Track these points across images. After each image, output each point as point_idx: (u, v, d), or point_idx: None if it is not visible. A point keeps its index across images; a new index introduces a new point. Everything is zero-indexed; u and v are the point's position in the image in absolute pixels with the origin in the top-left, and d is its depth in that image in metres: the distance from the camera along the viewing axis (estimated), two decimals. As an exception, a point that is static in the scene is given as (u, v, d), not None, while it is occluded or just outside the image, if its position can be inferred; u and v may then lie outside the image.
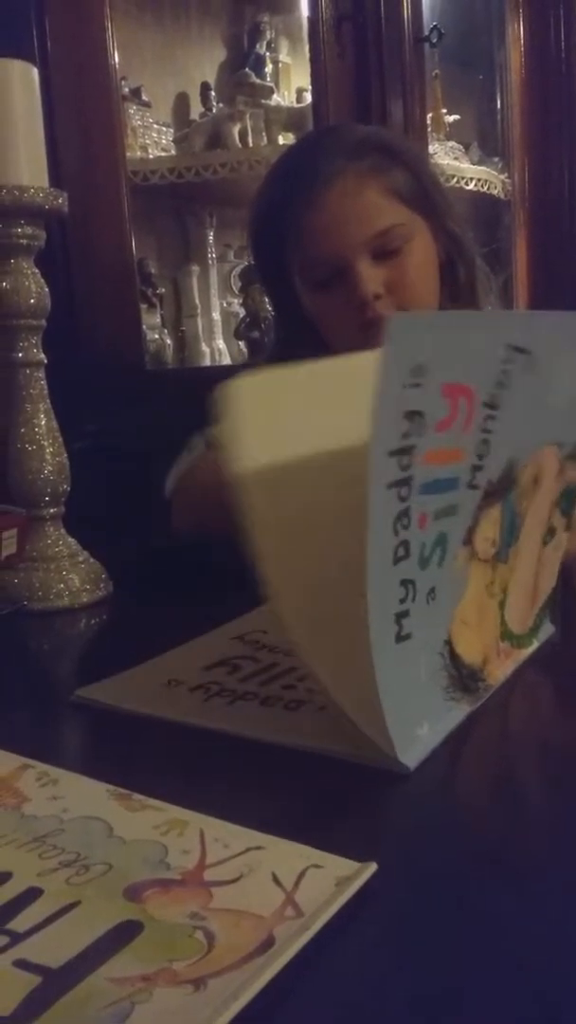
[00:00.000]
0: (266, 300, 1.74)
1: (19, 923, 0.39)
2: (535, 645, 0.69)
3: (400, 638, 0.52)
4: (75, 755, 0.63)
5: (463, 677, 0.59)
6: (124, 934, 0.38)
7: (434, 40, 1.56)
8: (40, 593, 0.96)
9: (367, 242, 1.00)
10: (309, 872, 0.41)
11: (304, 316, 1.08)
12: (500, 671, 0.64)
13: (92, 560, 1.01)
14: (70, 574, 0.98)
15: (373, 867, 0.40)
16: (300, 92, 1.88)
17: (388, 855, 0.42)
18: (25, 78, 0.94)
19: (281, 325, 1.16)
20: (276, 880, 0.40)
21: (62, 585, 0.97)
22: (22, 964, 0.36)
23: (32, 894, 0.41)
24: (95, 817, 0.47)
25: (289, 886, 0.40)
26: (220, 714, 0.62)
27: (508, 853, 0.44)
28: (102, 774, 0.52)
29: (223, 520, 1.00)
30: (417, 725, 0.54)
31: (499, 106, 2.01)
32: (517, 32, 1.94)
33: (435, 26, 1.58)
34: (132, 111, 1.68)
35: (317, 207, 1.00)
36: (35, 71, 0.95)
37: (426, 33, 1.56)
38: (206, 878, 0.41)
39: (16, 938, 0.38)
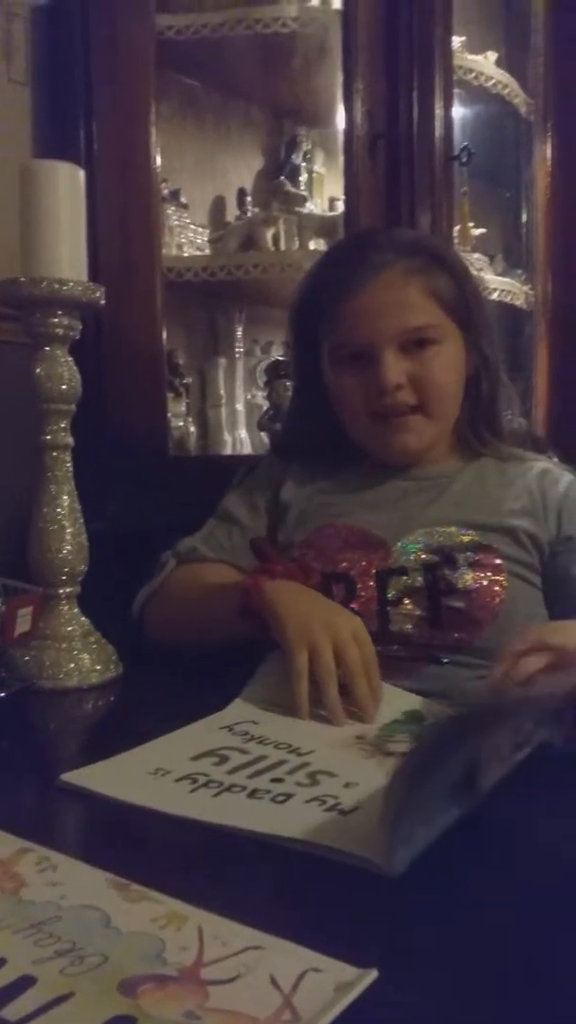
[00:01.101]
0: (290, 390, 1.78)
1: (10, 1012, 0.38)
2: (527, 750, 0.69)
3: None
4: (75, 840, 0.62)
5: (467, 781, 0.58)
6: (117, 1030, 0.37)
7: (464, 159, 1.62)
8: (51, 671, 0.96)
9: (398, 334, 1.02)
10: (308, 976, 0.40)
11: (324, 395, 1.10)
12: (494, 774, 0.63)
13: (104, 640, 1.02)
14: (81, 654, 0.98)
15: (374, 974, 0.40)
16: (332, 201, 1.96)
17: (388, 961, 0.41)
18: (71, 179, 0.99)
19: (300, 400, 1.18)
20: (274, 982, 0.40)
21: (73, 665, 0.97)
22: (11, 1055, 0.35)
23: (25, 982, 0.40)
24: (93, 906, 0.47)
25: (287, 989, 0.39)
26: (205, 806, 0.61)
27: (510, 962, 0.43)
28: (101, 860, 0.52)
29: (194, 634, 1.01)
30: (414, 828, 0.53)
31: (524, 221, 2.08)
32: (544, 153, 2.02)
33: (465, 146, 1.64)
34: (170, 211, 1.74)
35: (359, 292, 1.02)
36: (81, 173, 1.00)
37: (456, 152, 1.62)
38: (203, 976, 0.40)
39: (7, 1028, 0.37)
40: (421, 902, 0.49)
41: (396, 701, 0.85)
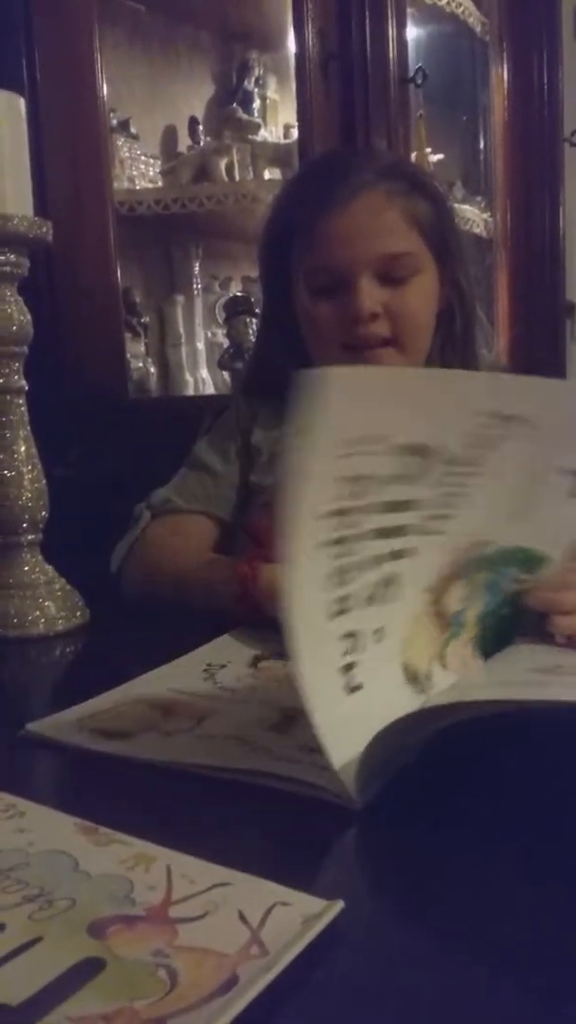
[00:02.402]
0: (251, 327, 1.75)
1: (-22, 960, 0.38)
2: None
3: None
4: (43, 787, 0.62)
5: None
6: (86, 972, 0.37)
7: (419, 81, 1.58)
8: (15, 620, 0.95)
9: (376, 260, 0.98)
10: (276, 909, 0.40)
11: (292, 322, 1.06)
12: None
13: (69, 588, 1.01)
14: (46, 601, 0.97)
15: (340, 905, 0.40)
16: (287, 128, 1.91)
17: (355, 892, 0.41)
18: (12, 108, 0.95)
19: (268, 332, 1.14)
20: (242, 917, 0.40)
21: (38, 612, 0.96)
22: (-20, 1002, 0.35)
23: (-7, 930, 0.40)
24: (61, 851, 0.47)
25: (255, 923, 0.39)
26: (164, 748, 0.60)
27: (475, 890, 0.44)
28: (69, 806, 0.51)
29: (173, 593, 0.97)
30: (381, 760, 0.53)
31: (482, 147, 2.04)
32: (501, 75, 1.98)
33: (420, 67, 1.60)
34: (120, 143, 1.69)
35: (337, 212, 0.98)
36: (22, 101, 0.96)
37: (411, 74, 1.58)
38: (171, 915, 0.40)
39: (-25, 975, 0.37)
40: (385, 832, 0.50)
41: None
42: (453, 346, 1.08)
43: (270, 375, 1.12)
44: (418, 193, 1.01)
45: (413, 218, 1.00)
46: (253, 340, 1.74)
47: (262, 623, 0.85)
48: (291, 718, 0.64)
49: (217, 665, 0.79)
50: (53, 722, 0.66)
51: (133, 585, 1.06)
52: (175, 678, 0.75)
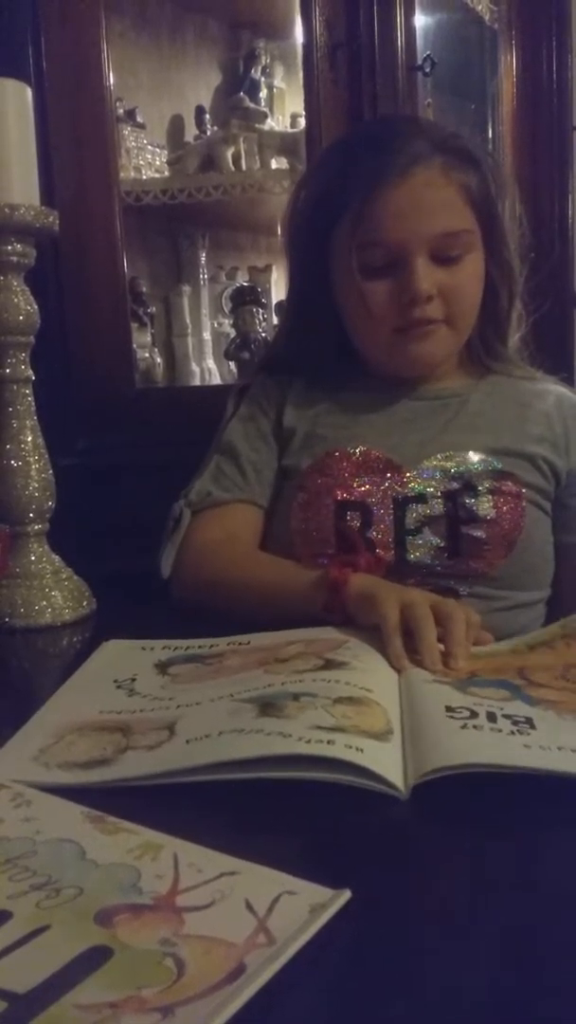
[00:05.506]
0: (257, 317, 1.74)
1: (-14, 947, 0.38)
2: None
3: None
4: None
5: None
6: (93, 960, 0.37)
7: (427, 69, 1.57)
8: (23, 610, 0.95)
9: (433, 239, 0.94)
10: (283, 899, 0.40)
11: (325, 302, 1.02)
12: None
13: (76, 577, 1.01)
14: (53, 591, 0.97)
15: (347, 894, 0.40)
16: (294, 117, 1.89)
17: (362, 882, 0.41)
18: (18, 97, 0.94)
19: (301, 312, 1.07)
20: (249, 906, 0.40)
21: (45, 602, 0.96)
22: (-12, 989, 0.35)
23: (0, 917, 0.40)
24: (68, 839, 0.47)
25: (262, 912, 0.39)
26: (164, 759, 0.56)
27: (484, 881, 0.44)
28: (77, 795, 0.51)
29: (238, 600, 0.93)
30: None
31: (491, 135, 2.03)
32: (509, 64, 1.95)
33: (428, 55, 1.59)
34: (126, 132, 1.68)
35: (394, 186, 0.93)
36: (28, 90, 0.95)
37: (419, 63, 1.57)
38: (179, 903, 0.41)
39: (-18, 962, 0.37)
40: (393, 821, 0.50)
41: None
42: (495, 327, 1.06)
43: (300, 358, 1.08)
44: (471, 167, 0.97)
45: (468, 194, 0.97)
46: (260, 331, 1.74)
47: (345, 623, 0.82)
48: (270, 704, 0.60)
49: (126, 679, 0.72)
50: (6, 767, 0.57)
51: (188, 593, 0.99)
52: (94, 701, 0.68)
